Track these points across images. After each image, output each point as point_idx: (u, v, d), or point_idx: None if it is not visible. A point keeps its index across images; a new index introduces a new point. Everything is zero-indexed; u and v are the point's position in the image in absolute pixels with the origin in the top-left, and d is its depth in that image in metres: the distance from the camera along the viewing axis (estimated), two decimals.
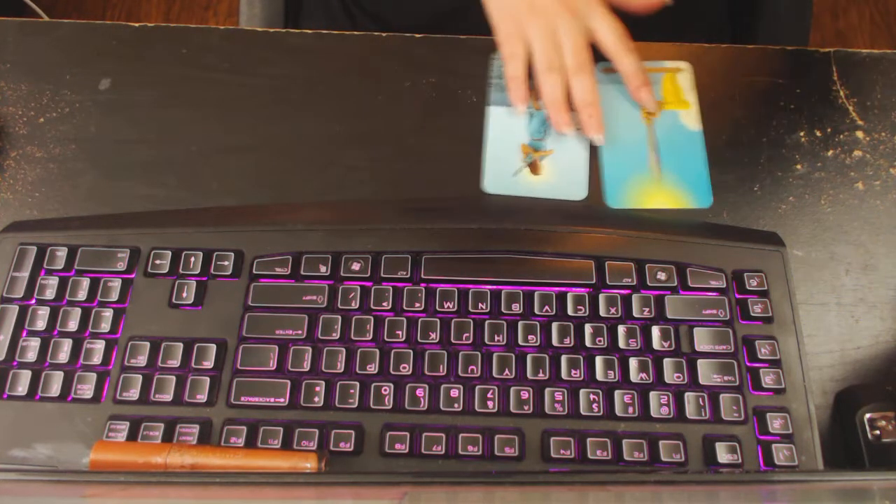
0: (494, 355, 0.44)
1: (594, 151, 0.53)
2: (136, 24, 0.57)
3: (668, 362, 0.44)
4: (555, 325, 0.44)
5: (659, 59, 0.56)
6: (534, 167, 0.52)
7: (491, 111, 0.54)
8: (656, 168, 0.52)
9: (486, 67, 0.56)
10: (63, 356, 0.45)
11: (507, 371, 0.43)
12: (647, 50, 0.56)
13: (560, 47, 0.51)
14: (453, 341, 0.44)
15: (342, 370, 0.44)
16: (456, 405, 0.43)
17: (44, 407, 0.44)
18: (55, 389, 0.44)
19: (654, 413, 0.43)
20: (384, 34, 0.57)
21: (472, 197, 0.52)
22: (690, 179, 0.52)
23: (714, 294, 0.46)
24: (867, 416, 0.42)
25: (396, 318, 0.45)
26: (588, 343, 0.44)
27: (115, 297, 0.46)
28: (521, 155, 0.53)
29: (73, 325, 0.45)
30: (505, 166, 0.52)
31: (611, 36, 0.51)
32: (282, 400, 0.43)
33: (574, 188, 0.52)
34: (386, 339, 0.44)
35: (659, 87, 0.55)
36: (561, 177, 0.52)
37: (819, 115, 0.54)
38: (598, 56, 0.56)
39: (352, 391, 0.43)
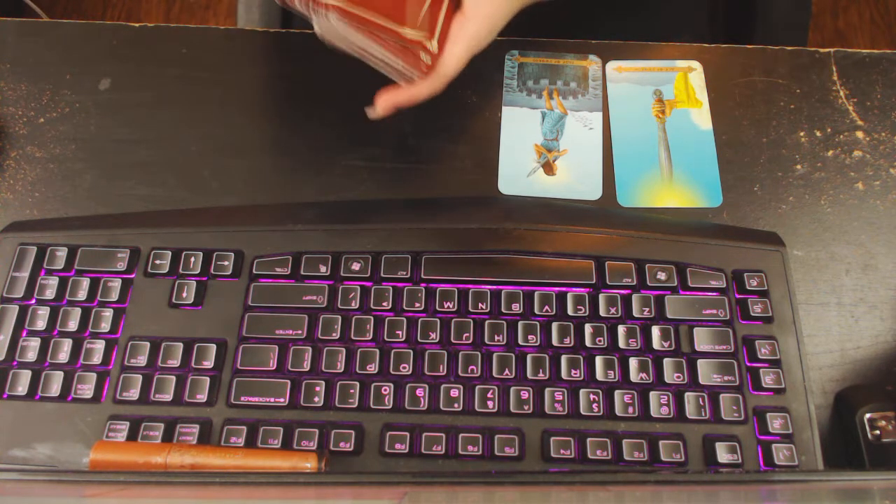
0: (494, 355, 0.44)
1: (607, 151, 0.53)
2: (136, 24, 0.57)
3: (668, 362, 0.44)
4: (555, 325, 0.44)
5: (672, 59, 0.56)
6: (548, 167, 0.52)
7: (504, 112, 0.54)
8: (668, 167, 0.52)
9: (486, 68, 0.56)
10: (63, 356, 0.45)
11: (507, 371, 0.43)
12: (649, 49, 0.56)
13: None
14: (453, 341, 0.44)
15: (342, 370, 0.44)
16: (456, 405, 0.43)
17: (44, 407, 0.44)
18: (55, 389, 0.44)
19: (654, 413, 0.43)
20: None
21: (472, 197, 0.52)
22: (701, 178, 0.52)
23: (714, 294, 0.46)
24: (867, 416, 0.42)
25: (396, 318, 0.45)
26: (588, 343, 0.44)
27: (115, 297, 0.46)
28: (535, 156, 0.53)
29: (73, 325, 0.45)
30: (519, 167, 0.53)
31: None
32: (282, 400, 0.43)
33: (589, 188, 0.52)
34: (386, 339, 0.44)
35: (671, 87, 0.55)
36: (575, 177, 0.52)
37: (819, 115, 0.54)
38: (609, 55, 0.56)
39: (352, 391, 0.43)
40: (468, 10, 0.46)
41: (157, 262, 0.47)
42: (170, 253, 0.47)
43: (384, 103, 0.47)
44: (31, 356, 0.45)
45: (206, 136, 0.54)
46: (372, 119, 0.47)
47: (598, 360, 0.44)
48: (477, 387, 0.43)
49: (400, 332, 0.44)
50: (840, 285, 0.49)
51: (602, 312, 0.45)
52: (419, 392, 0.43)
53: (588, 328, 0.44)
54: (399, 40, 0.43)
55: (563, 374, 0.43)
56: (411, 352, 0.44)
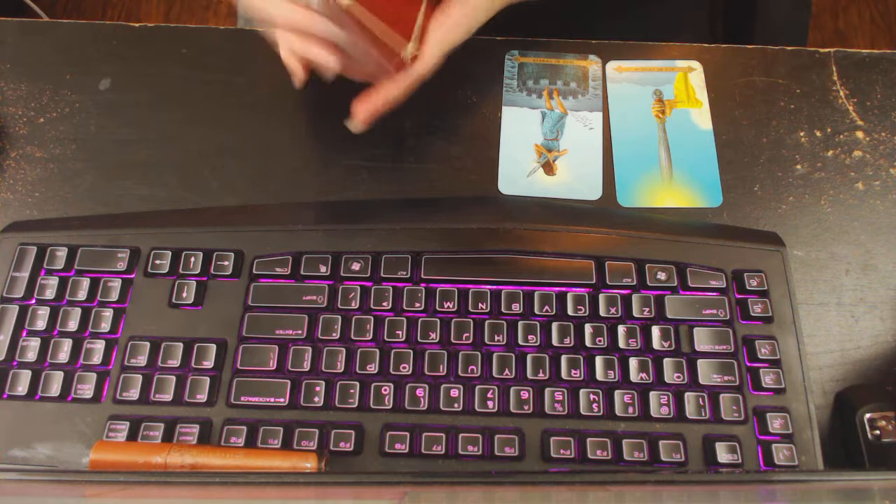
0: (494, 355, 0.44)
1: (607, 151, 0.53)
2: (136, 24, 0.57)
3: (668, 362, 0.44)
4: (555, 325, 0.44)
5: (672, 59, 0.56)
6: (548, 167, 0.52)
7: (504, 112, 0.54)
8: (668, 167, 0.52)
9: (486, 67, 0.56)
10: (63, 356, 0.45)
11: (507, 371, 0.43)
12: (649, 49, 0.56)
13: None
14: (453, 341, 0.44)
15: (342, 370, 0.44)
16: (456, 405, 0.43)
17: (44, 407, 0.44)
18: (55, 389, 0.44)
19: (654, 413, 0.43)
20: None
21: (472, 197, 0.52)
22: (701, 178, 0.52)
23: (714, 294, 0.46)
24: (867, 416, 0.42)
25: (396, 318, 0.45)
26: (588, 343, 0.44)
27: (115, 297, 0.46)
28: (535, 155, 0.53)
29: (73, 325, 0.45)
30: (519, 167, 0.53)
31: None
32: (282, 400, 0.43)
33: (588, 188, 0.52)
34: (386, 339, 0.44)
35: (671, 87, 0.55)
36: (575, 177, 0.52)
37: (819, 115, 0.54)
38: (609, 55, 0.56)
39: (352, 391, 0.43)
40: (453, 11, 0.45)
41: (157, 262, 0.47)
42: (170, 253, 0.47)
43: (364, 113, 0.46)
44: (31, 356, 0.45)
45: (206, 136, 0.54)
46: (355, 133, 0.47)
47: (598, 360, 0.44)
48: (477, 387, 0.43)
49: (400, 332, 0.44)
50: (840, 285, 0.49)
51: (602, 312, 0.45)
52: (419, 392, 0.43)
53: (588, 328, 0.44)
54: (392, 51, 0.43)
55: (563, 374, 0.43)
56: (411, 352, 0.44)
